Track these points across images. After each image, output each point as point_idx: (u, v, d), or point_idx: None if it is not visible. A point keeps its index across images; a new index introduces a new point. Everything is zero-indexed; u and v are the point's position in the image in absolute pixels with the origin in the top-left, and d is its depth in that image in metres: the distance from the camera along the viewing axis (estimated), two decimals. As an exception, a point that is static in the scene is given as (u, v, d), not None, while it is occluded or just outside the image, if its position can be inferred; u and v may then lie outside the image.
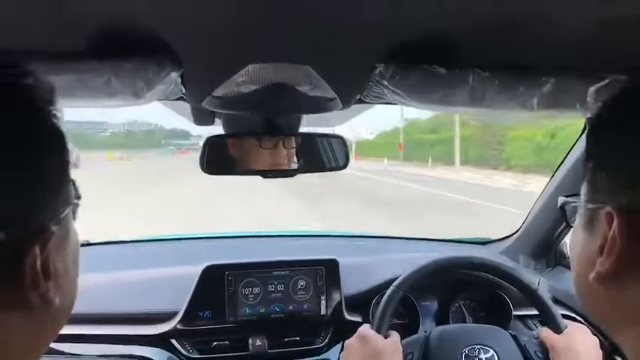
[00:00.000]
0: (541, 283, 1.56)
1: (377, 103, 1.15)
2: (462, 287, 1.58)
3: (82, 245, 1.71)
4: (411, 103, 0.98)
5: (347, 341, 1.21)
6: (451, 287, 1.59)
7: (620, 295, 0.52)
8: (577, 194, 0.64)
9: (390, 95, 0.97)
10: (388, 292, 1.28)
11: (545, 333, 1.28)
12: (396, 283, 1.29)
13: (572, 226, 0.70)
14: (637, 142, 0.51)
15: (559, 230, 1.70)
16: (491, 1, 0.66)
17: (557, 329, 1.26)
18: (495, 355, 1.23)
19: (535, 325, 1.55)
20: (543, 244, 1.76)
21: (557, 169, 1.69)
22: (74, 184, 0.50)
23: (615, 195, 0.52)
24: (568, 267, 1.75)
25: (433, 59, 0.89)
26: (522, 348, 1.26)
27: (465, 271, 1.45)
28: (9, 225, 0.38)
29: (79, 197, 0.51)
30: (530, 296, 1.31)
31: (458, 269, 1.43)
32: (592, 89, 0.72)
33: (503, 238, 1.94)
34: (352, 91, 1.00)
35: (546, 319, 1.30)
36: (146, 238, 2.07)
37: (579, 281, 0.60)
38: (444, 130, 34.44)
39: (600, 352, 1.24)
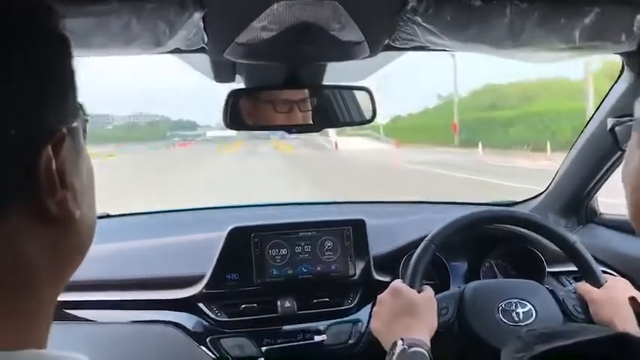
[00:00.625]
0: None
1: (406, 49, 1.10)
2: (492, 245, 1.54)
3: (101, 217, 1.70)
4: (445, 43, 0.94)
5: (379, 295, 1.18)
6: (481, 246, 1.55)
7: None
8: (628, 115, 0.60)
9: (423, 35, 0.93)
10: (421, 245, 1.24)
11: (585, 287, 1.24)
12: (429, 236, 1.25)
13: (623, 150, 0.66)
14: None
15: (591, 185, 1.64)
16: None
17: (597, 283, 1.22)
18: (533, 309, 1.19)
19: (569, 281, 1.51)
20: (574, 201, 1.70)
21: (588, 122, 1.63)
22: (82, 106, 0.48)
23: None
24: (601, 224, 1.70)
25: None
26: (560, 302, 1.22)
27: (499, 225, 1.41)
28: (18, 121, 0.37)
29: (86, 119, 0.49)
30: (569, 249, 1.26)
31: (492, 223, 1.38)
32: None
33: (531, 198, 1.89)
34: (382, 31, 0.95)
35: (585, 272, 1.25)
36: (168, 209, 2.05)
37: (637, 198, 0.57)
38: (508, 107, 28.18)
39: None
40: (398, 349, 1.01)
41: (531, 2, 0.85)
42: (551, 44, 0.90)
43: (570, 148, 1.69)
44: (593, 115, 1.56)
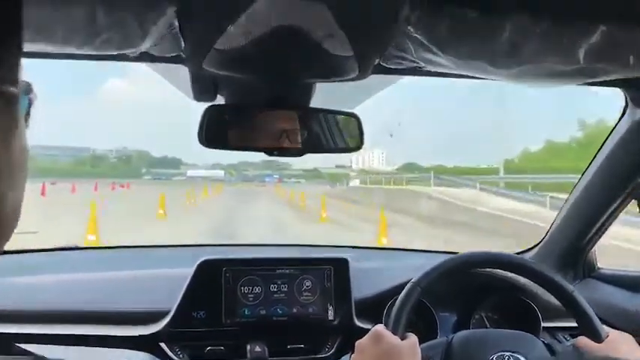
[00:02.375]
0: None
1: (397, 73, 1.04)
2: (483, 295, 1.43)
3: (70, 249, 1.60)
4: (439, 61, 0.87)
5: (359, 341, 1.06)
6: (471, 295, 1.44)
7: None
8: None
9: (416, 52, 0.87)
10: (406, 288, 1.13)
11: (584, 342, 1.12)
12: (414, 279, 1.14)
13: None
14: None
15: (588, 237, 1.55)
16: None
17: (598, 337, 1.11)
18: None
19: (566, 338, 1.40)
20: (570, 254, 1.61)
21: (584, 172, 1.56)
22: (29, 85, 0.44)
23: None
24: (599, 279, 1.60)
25: (466, 1, 0.78)
26: (557, 357, 1.10)
27: (490, 271, 1.31)
28: None
29: (30, 91, 0.44)
30: (566, 299, 1.15)
31: (481, 266, 1.27)
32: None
33: (526, 250, 1.79)
34: (372, 45, 0.89)
35: (584, 325, 1.14)
36: (138, 244, 1.95)
37: None
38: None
39: None
40: None
41: (533, 17, 0.79)
42: (553, 64, 0.83)
43: (567, 198, 1.61)
44: (591, 163, 1.49)
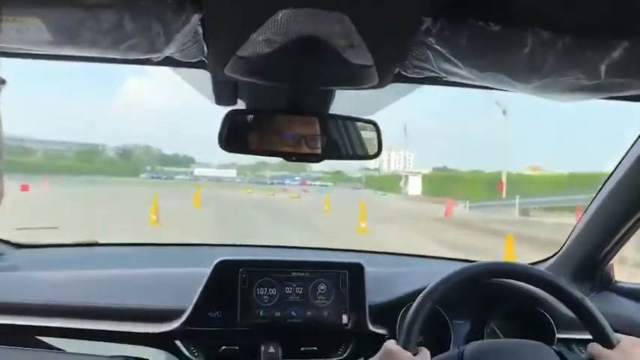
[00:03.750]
0: None
1: (417, 82, 1.04)
2: (497, 305, 1.43)
3: (89, 245, 1.63)
4: (459, 72, 0.87)
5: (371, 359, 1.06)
6: (485, 304, 1.43)
7: None
8: None
9: (436, 62, 0.87)
10: (417, 301, 1.13)
11: (596, 349, 1.11)
12: (425, 291, 1.13)
13: None
14: None
15: (607, 249, 1.54)
16: None
17: (609, 343, 1.10)
18: None
19: (581, 350, 1.39)
20: (588, 266, 1.59)
21: (604, 184, 1.55)
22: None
23: None
24: (616, 292, 1.58)
25: (488, 14, 0.78)
26: None
27: (503, 281, 1.30)
28: None
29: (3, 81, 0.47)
30: (577, 307, 1.14)
31: (492, 277, 1.27)
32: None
33: (543, 260, 1.78)
34: (393, 54, 0.89)
35: (596, 332, 1.13)
36: (155, 243, 1.98)
37: None
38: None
39: None
40: None
41: (555, 31, 0.79)
42: (574, 79, 0.83)
43: (586, 209, 1.60)
44: (611, 175, 1.48)
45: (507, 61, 0.83)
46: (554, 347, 1.16)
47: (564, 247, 1.69)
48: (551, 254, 1.75)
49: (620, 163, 1.45)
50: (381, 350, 1.07)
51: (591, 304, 1.14)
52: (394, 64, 0.93)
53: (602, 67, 0.81)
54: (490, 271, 1.21)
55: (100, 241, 1.83)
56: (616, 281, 1.62)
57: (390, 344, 1.08)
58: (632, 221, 1.40)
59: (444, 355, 1.16)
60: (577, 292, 1.16)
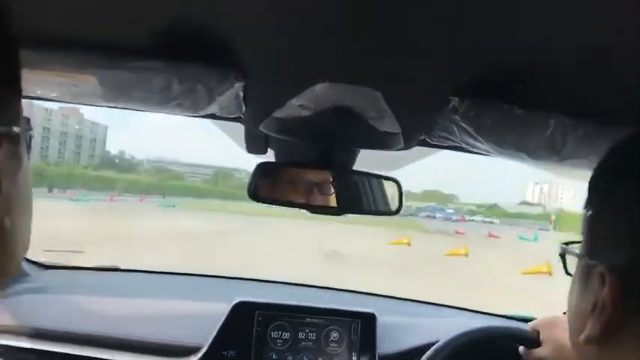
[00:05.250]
0: None
1: (440, 147, 1.09)
2: None
3: (109, 270, 1.67)
4: (480, 146, 0.92)
5: None
6: None
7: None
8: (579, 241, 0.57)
9: (460, 135, 0.91)
10: None
11: (531, 353, 1.18)
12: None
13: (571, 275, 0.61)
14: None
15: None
16: (575, 34, 0.60)
17: (532, 340, 1.18)
18: None
19: None
20: None
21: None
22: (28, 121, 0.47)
23: (609, 253, 0.48)
24: None
25: (513, 98, 0.83)
26: None
27: (501, 343, 1.31)
28: None
29: (31, 134, 0.48)
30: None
31: (494, 341, 1.28)
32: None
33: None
34: (419, 126, 0.94)
35: (517, 338, 1.20)
36: (177, 272, 2.01)
37: (572, 339, 0.55)
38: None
39: None
40: None
41: (577, 118, 0.83)
42: (592, 162, 0.87)
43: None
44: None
45: (528, 141, 0.87)
46: None
47: None
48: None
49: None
50: None
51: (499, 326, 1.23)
52: (420, 133, 0.98)
53: (619, 155, 0.84)
54: (489, 336, 1.24)
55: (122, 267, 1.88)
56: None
57: None
58: None
59: None
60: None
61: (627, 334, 0.46)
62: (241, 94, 0.88)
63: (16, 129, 0.42)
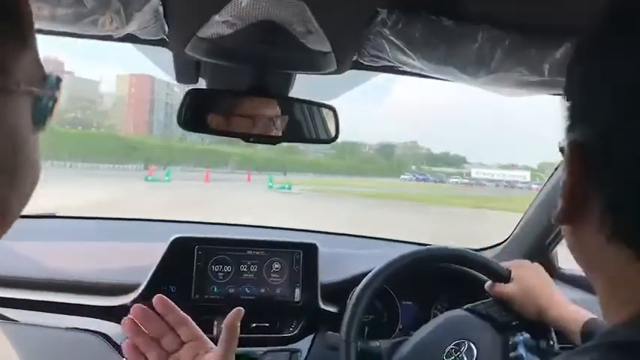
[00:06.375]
0: None
1: (374, 69, 1.07)
2: (442, 287, 1.49)
3: (46, 217, 1.61)
4: (413, 63, 0.91)
5: None
6: (431, 287, 1.49)
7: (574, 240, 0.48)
8: None
9: (391, 52, 0.90)
10: (356, 292, 1.17)
11: (496, 286, 1.22)
12: (364, 281, 1.18)
13: None
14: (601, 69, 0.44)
15: (550, 237, 1.61)
16: None
17: (504, 277, 1.21)
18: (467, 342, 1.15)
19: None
20: (534, 252, 1.66)
21: (551, 175, 1.62)
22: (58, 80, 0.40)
23: (572, 129, 0.47)
24: (559, 279, 1.66)
25: (441, 9, 0.82)
26: (484, 316, 1.20)
27: (439, 264, 1.35)
28: None
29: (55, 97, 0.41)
30: (477, 264, 1.25)
31: (435, 262, 1.32)
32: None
33: (490, 247, 1.85)
34: (350, 43, 0.92)
35: (487, 272, 1.24)
36: (112, 217, 1.98)
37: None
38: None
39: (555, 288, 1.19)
40: None
41: (504, 29, 0.83)
42: (520, 75, 0.87)
43: (534, 198, 1.67)
44: (557, 167, 1.54)
45: (457, 54, 0.86)
46: (464, 307, 1.24)
47: (512, 236, 1.76)
48: (501, 241, 1.82)
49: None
50: None
51: (480, 255, 1.27)
52: (351, 52, 0.96)
53: (546, 66, 0.85)
54: (430, 257, 1.27)
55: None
56: (559, 268, 1.71)
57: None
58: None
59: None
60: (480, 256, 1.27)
61: (589, 213, 0.45)
62: (161, 9, 0.83)
63: (35, 89, 0.37)
